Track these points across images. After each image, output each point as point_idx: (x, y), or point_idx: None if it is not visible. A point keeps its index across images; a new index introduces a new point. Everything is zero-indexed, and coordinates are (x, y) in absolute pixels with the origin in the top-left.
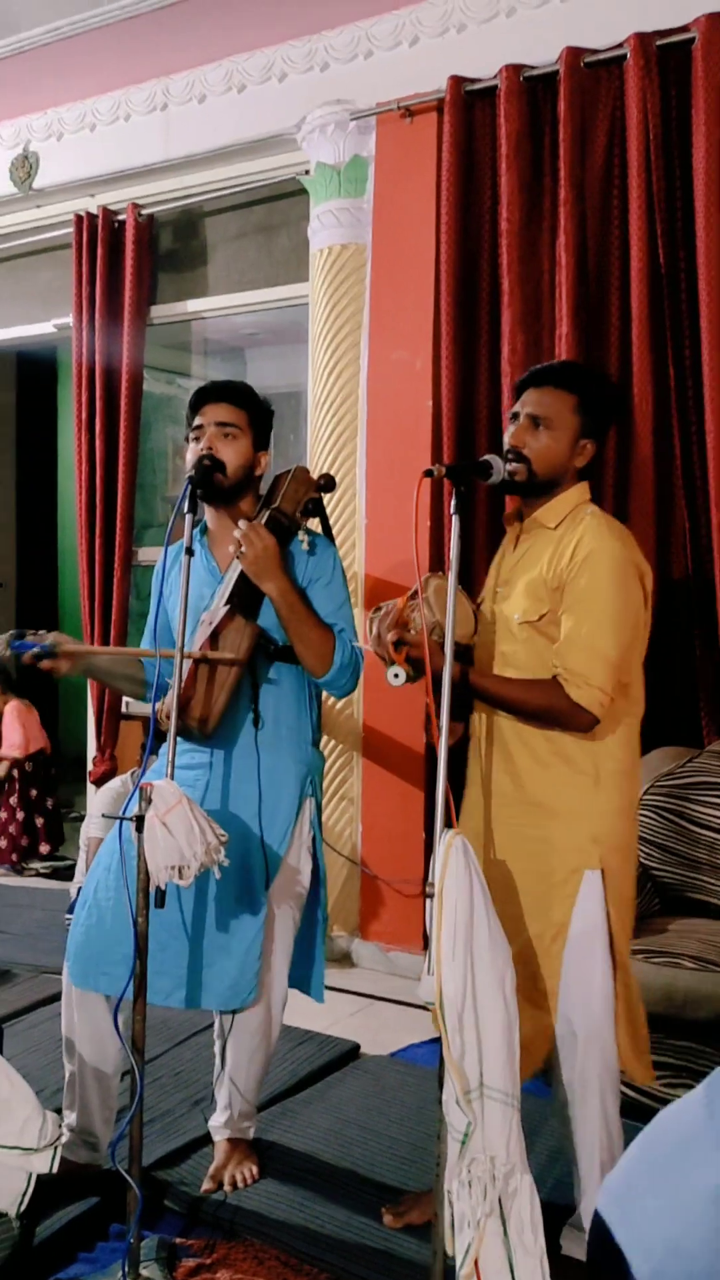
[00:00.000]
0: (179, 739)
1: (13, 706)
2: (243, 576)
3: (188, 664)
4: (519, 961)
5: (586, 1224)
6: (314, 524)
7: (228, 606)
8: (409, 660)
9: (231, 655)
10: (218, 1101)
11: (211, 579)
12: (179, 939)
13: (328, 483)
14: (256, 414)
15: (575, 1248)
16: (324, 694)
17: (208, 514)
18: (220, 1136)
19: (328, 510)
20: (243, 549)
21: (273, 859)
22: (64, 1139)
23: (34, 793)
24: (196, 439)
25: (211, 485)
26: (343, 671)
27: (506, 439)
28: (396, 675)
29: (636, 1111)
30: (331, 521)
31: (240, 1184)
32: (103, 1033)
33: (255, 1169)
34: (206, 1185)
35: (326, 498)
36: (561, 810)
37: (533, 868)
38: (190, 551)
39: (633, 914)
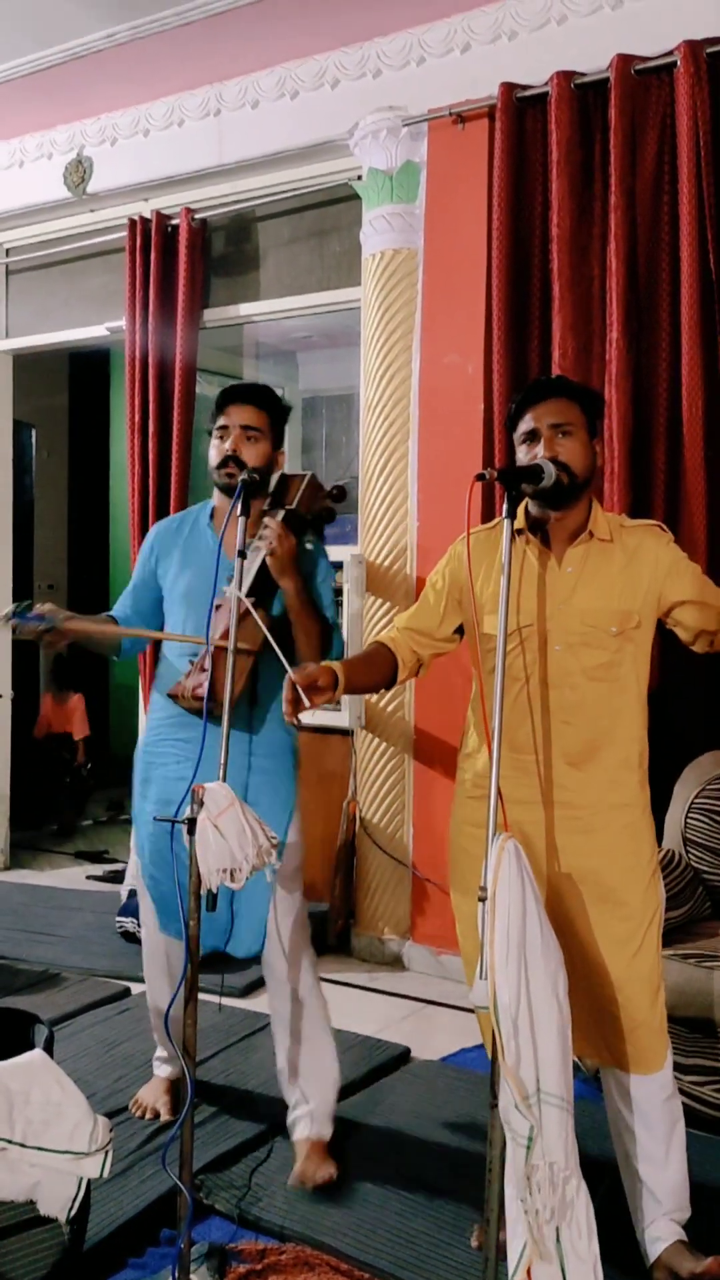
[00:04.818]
0: (172, 713)
1: (46, 698)
2: (263, 570)
3: (194, 657)
4: (600, 968)
5: (644, 1226)
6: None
7: (251, 598)
8: None
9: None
10: (289, 1100)
11: (212, 561)
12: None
13: (340, 494)
14: (276, 417)
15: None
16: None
17: (217, 499)
18: (300, 1135)
19: (383, 510)
20: (271, 546)
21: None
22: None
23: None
24: (220, 438)
25: (257, 492)
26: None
27: (531, 456)
28: None
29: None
30: (383, 525)
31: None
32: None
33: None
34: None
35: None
36: (640, 805)
37: (625, 864)
38: (243, 555)
39: None
